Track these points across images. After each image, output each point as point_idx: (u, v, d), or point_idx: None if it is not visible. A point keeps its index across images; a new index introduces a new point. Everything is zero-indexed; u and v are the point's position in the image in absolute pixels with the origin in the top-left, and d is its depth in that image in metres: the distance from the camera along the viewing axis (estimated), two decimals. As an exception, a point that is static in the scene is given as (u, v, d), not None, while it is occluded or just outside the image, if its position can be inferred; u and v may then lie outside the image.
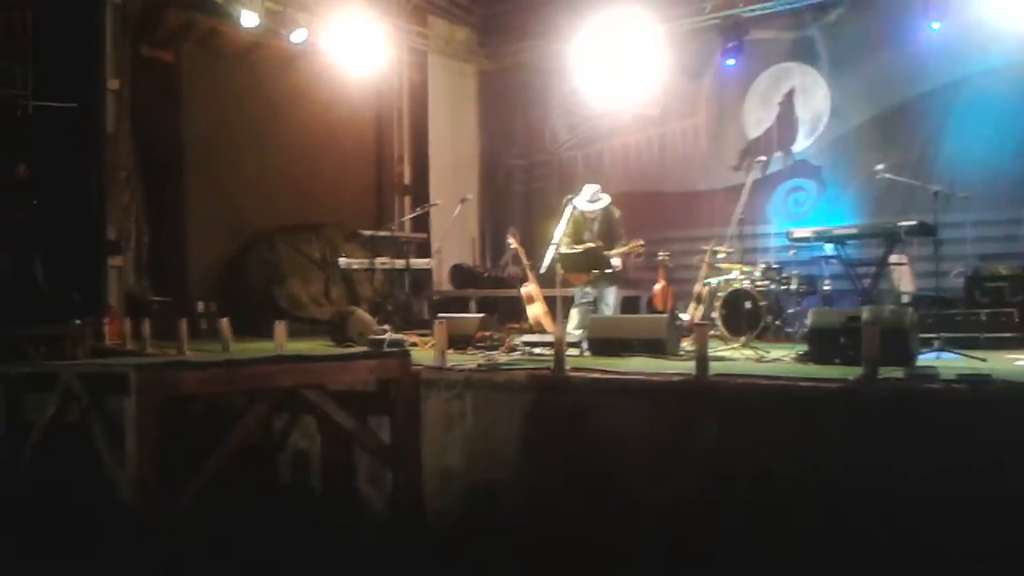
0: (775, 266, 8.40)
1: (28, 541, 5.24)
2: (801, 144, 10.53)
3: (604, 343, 6.97)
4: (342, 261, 9.99)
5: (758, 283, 8.14)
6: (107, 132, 9.28)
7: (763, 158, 9.91)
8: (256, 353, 6.59)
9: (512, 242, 8.99)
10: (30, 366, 6.30)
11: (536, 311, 8.46)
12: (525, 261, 8.76)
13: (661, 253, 9.33)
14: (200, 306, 9.86)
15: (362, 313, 8.63)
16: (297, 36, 10.33)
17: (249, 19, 9.87)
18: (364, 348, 7.08)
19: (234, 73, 11.10)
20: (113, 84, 9.34)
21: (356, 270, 10.25)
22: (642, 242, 8.19)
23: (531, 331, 8.03)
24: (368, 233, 10.04)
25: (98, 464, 4.78)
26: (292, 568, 5.60)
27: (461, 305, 10.76)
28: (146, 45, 10.31)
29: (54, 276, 8.64)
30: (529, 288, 8.53)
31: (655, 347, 6.70)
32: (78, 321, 8.04)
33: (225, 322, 7.78)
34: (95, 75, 9.22)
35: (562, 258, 7.98)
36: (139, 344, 7.93)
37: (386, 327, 8.15)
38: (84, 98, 9.10)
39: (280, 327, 7.53)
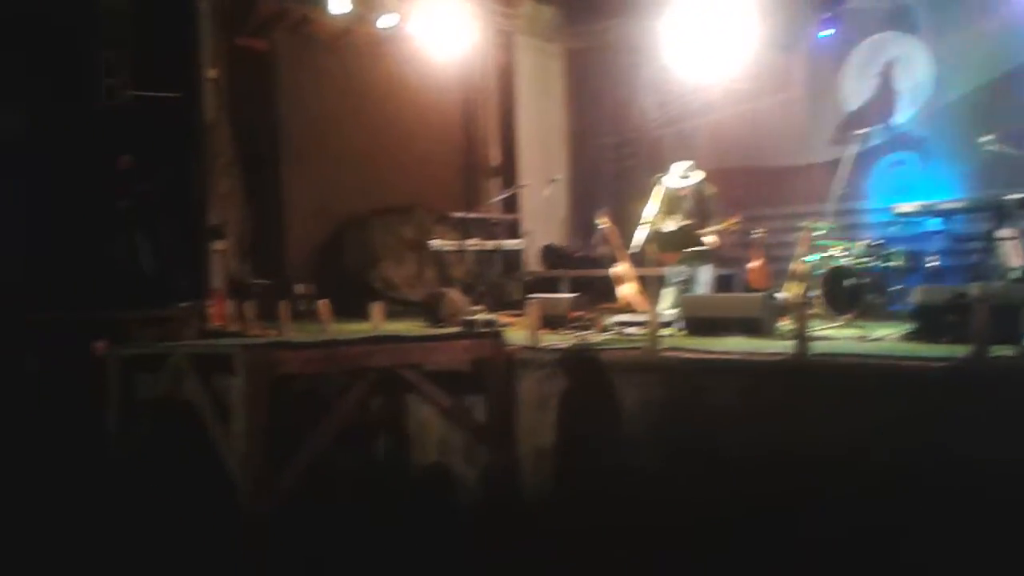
0: (878, 242, 8.13)
1: (137, 519, 5.46)
2: (902, 116, 10.16)
3: (698, 322, 6.88)
4: (434, 243, 10.09)
5: (860, 259, 7.91)
6: (206, 120, 9.52)
7: (863, 131, 9.59)
8: (353, 334, 6.71)
9: (602, 222, 8.93)
10: (141, 347, 6.54)
11: (627, 291, 8.41)
12: (615, 241, 8.70)
13: (757, 230, 9.11)
14: (299, 288, 10.06)
15: (454, 294, 8.69)
16: (386, 21, 10.43)
17: (339, 5, 10.01)
18: (457, 329, 7.15)
19: (325, 60, 11.26)
20: (211, 73, 9.56)
21: (448, 252, 10.33)
22: (738, 219, 8.05)
23: (623, 311, 7.99)
24: (459, 215, 10.09)
25: (205, 442, 4.95)
26: (390, 543, 5.70)
27: (552, 285, 10.73)
28: (239, 34, 10.54)
29: (160, 261, 8.95)
30: (619, 268, 8.48)
31: (750, 326, 6.56)
32: (184, 304, 8.32)
33: (324, 303, 7.95)
34: (193, 64, 9.43)
35: (654, 237, 7.89)
36: (242, 325, 8.15)
37: (478, 307, 8.21)
38: (183, 87, 9.34)
39: (377, 308, 7.67)
